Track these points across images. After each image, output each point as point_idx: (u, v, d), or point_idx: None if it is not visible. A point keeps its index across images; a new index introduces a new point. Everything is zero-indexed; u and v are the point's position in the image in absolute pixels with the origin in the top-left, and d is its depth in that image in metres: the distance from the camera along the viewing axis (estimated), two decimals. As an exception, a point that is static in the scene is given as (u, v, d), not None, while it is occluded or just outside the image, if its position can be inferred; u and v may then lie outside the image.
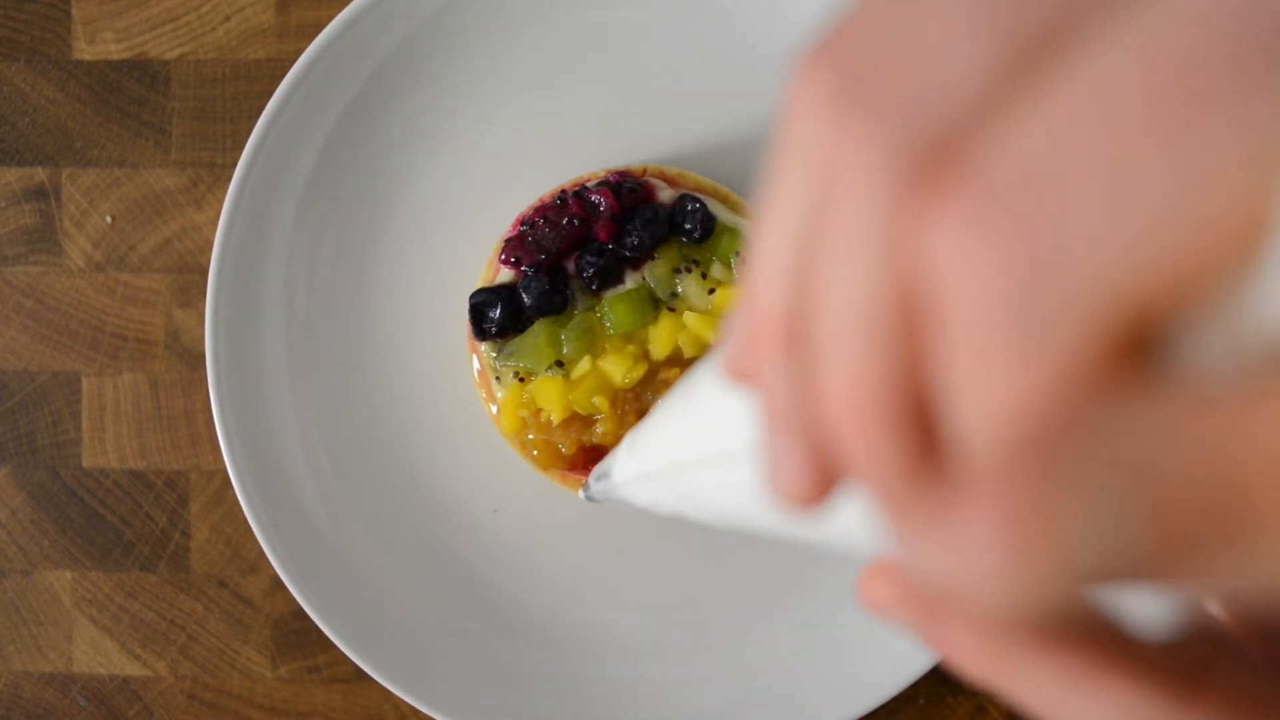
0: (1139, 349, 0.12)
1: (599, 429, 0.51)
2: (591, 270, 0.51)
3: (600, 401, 0.51)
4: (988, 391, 0.13)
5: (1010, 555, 0.12)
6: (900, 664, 0.54)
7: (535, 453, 0.53)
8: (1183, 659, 0.18)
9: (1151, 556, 0.12)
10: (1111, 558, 0.12)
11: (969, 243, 0.12)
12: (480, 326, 0.52)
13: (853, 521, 0.19)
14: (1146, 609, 0.22)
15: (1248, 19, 0.10)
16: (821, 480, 0.16)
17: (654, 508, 0.32)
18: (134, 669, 0.59)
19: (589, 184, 0.53)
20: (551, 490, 0.56)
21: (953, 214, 0.12)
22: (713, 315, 0.51)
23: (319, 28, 0.54)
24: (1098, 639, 0.18)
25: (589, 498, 0.40)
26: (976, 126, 0.12)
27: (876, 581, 0.21)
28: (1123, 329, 0.12)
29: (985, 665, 0.19)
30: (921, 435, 0.14)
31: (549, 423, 0.52)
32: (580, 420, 0.52)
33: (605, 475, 0.36)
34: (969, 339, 0.13)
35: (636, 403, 0.51)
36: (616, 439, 0.51)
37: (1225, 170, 0.10)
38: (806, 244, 0.15)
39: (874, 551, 0.21)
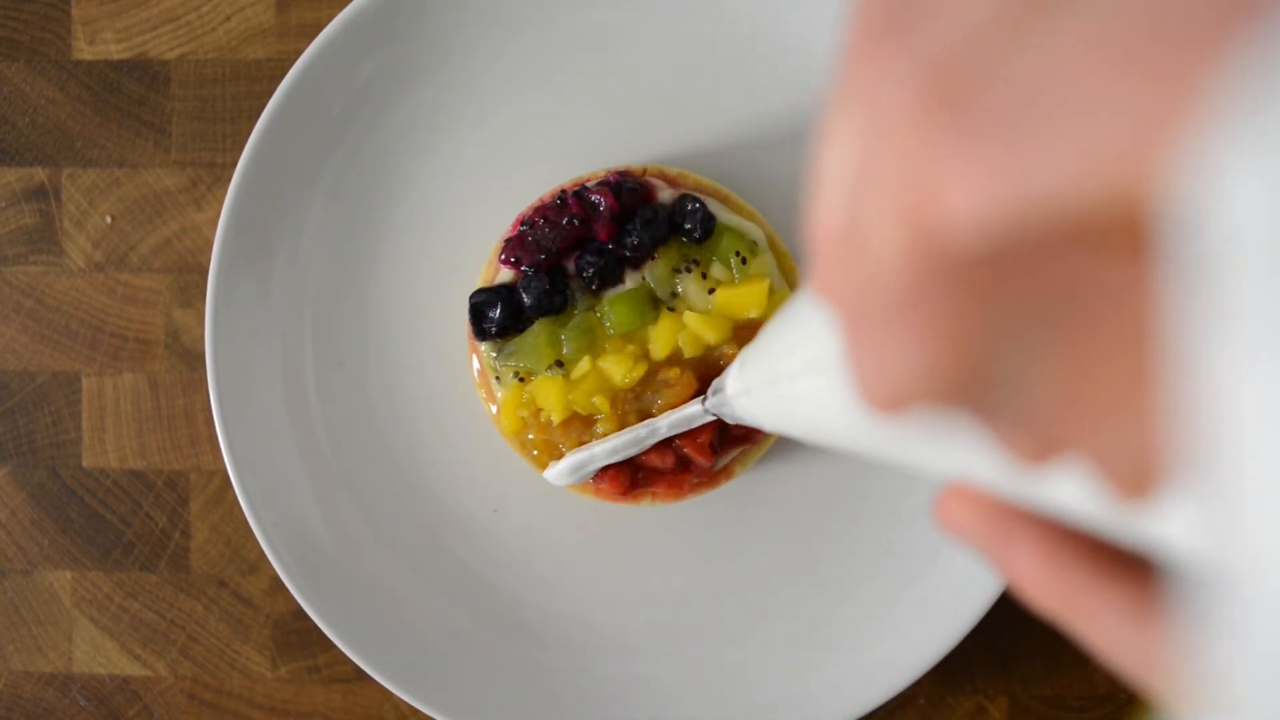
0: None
1: (599, 429, 0.51)
2: (591, 270, 0.51)
3: (600, 401, 0.51)
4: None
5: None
6: (900, 665, 0.54)
7: (535, 453, 0.53)
8: None
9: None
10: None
11: (968, 162, 0.15)
12: (480, 326, 0.52)
13: (935, 436, 0.20)
14: None
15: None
16: (891, 384, 0.17)
17: (760, 422, 0.34)
18: (134, 669, 0.59)
19: (589, 184, 0.53)
20: (551, 490, 0.56)
21: (958, 131, 0.15)
22: (713, 315, 0.51)
23: (319, 28, 0.54)
24: (1156, 575, 0.19)
25: (706, 411, 0.43)
26: (985, 52, 0.15)
27: (953, 503, 0.22)
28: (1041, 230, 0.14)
29: (1050, 592, 0.20)
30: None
31: (549, 423, 0.52)
32: (580, 420, 0.52)
33: (719, 390, 0.39)
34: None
35: (636, 403, 0.51)
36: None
37: (1120, 121, 0.13)
38: (860, 161, 0.17)
39: (948, 466, 0.21)
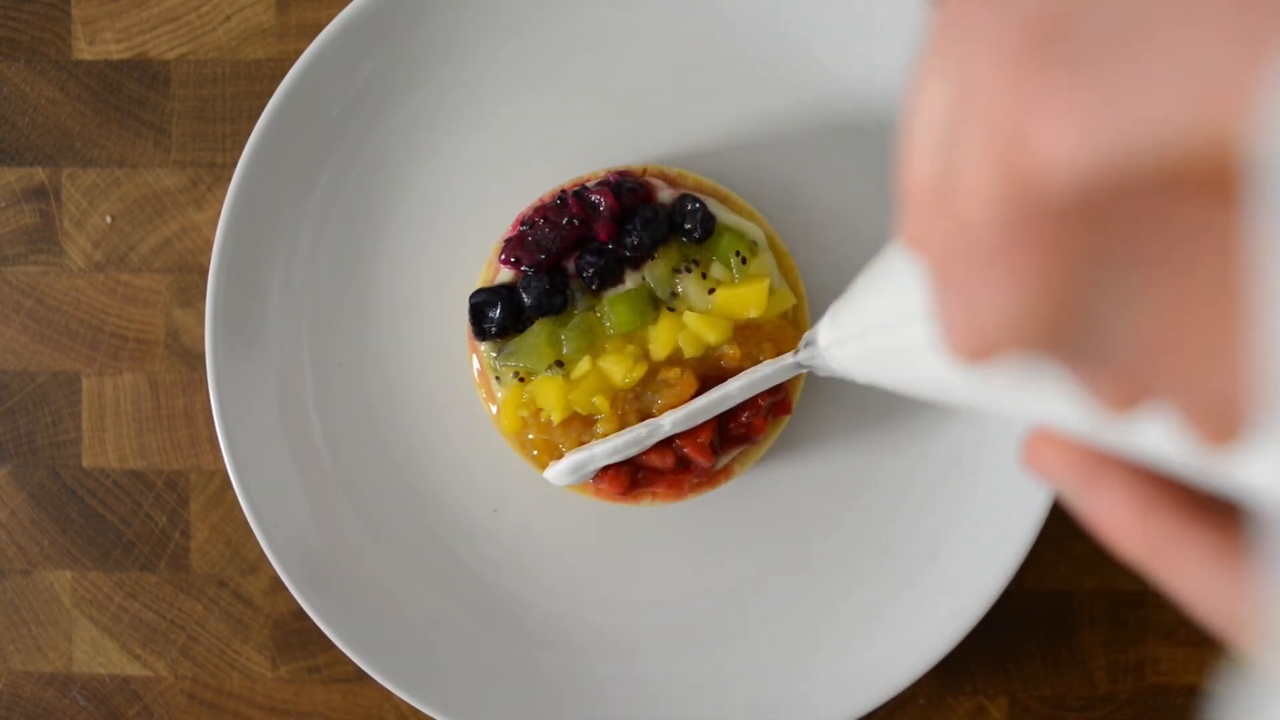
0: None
1: (599, 429, 0.51)
2: (591, 270, 0.51)
3: (600, 401, 0.51)
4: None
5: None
6: (900, 664, 0.54)
7: (535, 453, 0.53)
8: None
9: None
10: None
11: (1061, 107, 0.15)
12: (480, 326, 0.52)
13: (1022, 383, 0.20)
14: None
15: None
16: (981, 330, 0.17)
17: (850, 372, 0.35)
18: (134, 669, 0.59)
19: (589, 184, 0.53)
20: (551, 490, 0.56)
21: (1052, 78, 0.16)
22: (713, 315, 0.51)
23: (319, 28, 0.54)
24: (1242, 523, 0.19)
25: (798, 364, 0.44)
26: (1076, 2, 0.15)
27: (1041, 447, 0.22)
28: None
29: (1135, 539, 0.20)
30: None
31: (549, 423, 0.52)
32: (580, 420, 0.52)
33: (811, 342, 0.39)
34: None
35: (636, 402, 0.51)
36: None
37: (1211, 67, 0.14)
38: (952, 112, 0.18)
39: (1035, 412, 0.21)
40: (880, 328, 0.28)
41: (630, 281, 0.52)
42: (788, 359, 0.49)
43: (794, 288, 0.54)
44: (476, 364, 0.54)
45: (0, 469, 0.59)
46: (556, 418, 0.51)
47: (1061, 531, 0.57)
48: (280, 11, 0.58)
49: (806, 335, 0.41)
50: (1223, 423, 0.15)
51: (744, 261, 0.52)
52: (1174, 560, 0.20)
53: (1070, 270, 0.15)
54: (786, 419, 0.54)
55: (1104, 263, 0.15)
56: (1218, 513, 0.20)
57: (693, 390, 0.51)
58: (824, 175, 0.56)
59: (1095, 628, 0.58)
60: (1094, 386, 0.17)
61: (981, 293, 0.16)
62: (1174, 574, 0.20)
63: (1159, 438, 0.18)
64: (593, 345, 0.51)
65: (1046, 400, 0.20)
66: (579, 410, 0.51)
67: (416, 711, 0.58)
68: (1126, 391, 0.16)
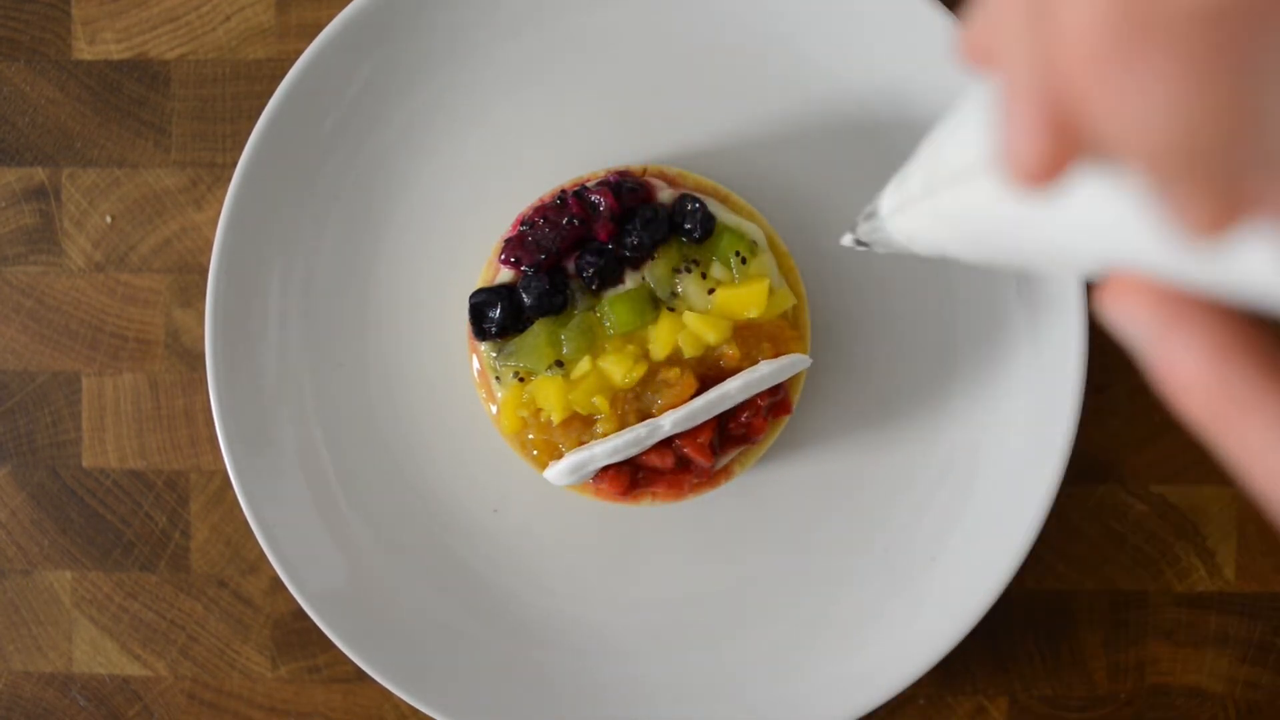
0: None
1: (599, 429, 0.51)
2: (591, 270, 0.51)
3: (600, 401, 0.51)
4: None
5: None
6: (900, 664, 0.54)
7: (535, 453, 0.53)
8: None
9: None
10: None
11: None
12: (480, 326, 0.52)
13: (1097, 211, 0.19)
14: None
15: None
16: (1056, 144, 0.17)
17: (914, 241, 0.33)
18: (134, 669, 0.59)
19: (589, 184, 0.53)
20: (551, 490, 0.56)
21: None
22: (713, 315, 0.51)
23: (319, 28, 0.54)
24: None
25: (857, 242, 0.40)
26: None
27: (1121, 290, 0.21)
28: None
29: (1206, 395, 0.19)
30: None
31: (549, 423, 0.52)
32: (580, 420, 0.52)
33: (872, 214, 0.38)
34: None
35: (636, 403, 0.51)
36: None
37: None
38: None
39: (1110, 249, 0.21)
40: (950, 181, 0.28)
41: (630, 281, 0.52)
42: (848, 238, 0.44)
43: (794, 288, 0.54)
44: (476, 364, 0.54)
45: (0, 469, 0.59)
46: (556, 418, 0.51)
47: (1062, 532, 0.57)
48: (280, 11, 0.58)
49: (866, 208, 0.40)
50: None
51: (744, 261, 0.52)
52: (1240, 424, 0.19)
53: (1231, 72, 0.15)
54: (786, 419, 0.54)
55: (1263, 62, 0.15)
56: None
57: (692, 390, 0.51)
58: (824, 175, 0.56)
59: (1095, 628, 0.58)
60: (1192, 202, 0.16)
61: (1111, 96, 0.16)
62: (1237, 440, 0.19)
63: (1258, 261, 0.17)
64: (593, 345, 0.51)
65: (1123, 231, 0.19)
66: (579, 410, 0.51)
67: (416, 711, 0.58)
68: (1230, 205, 0.16)
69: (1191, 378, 0.19)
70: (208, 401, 0.56)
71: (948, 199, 0.28)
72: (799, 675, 0.55)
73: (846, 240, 0.41)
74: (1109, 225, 0.20)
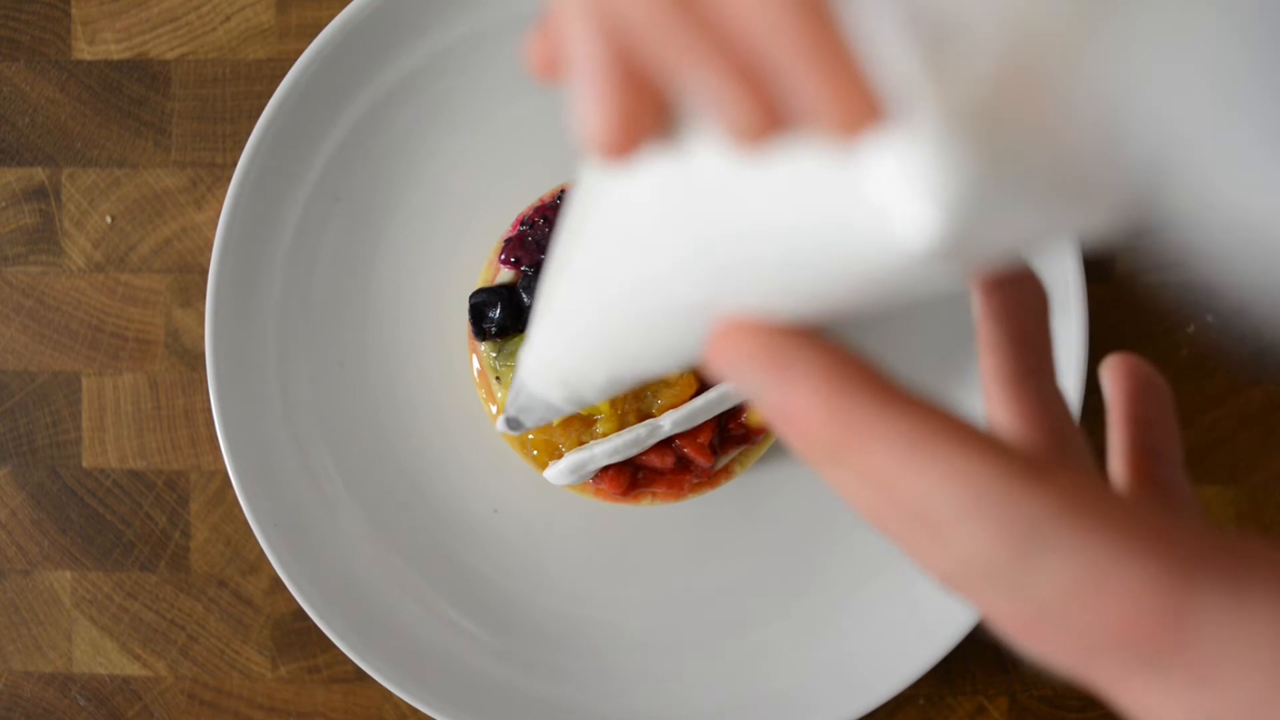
0: None
1: (599, 429, 0.51)
2: (591, 270, 0.51)
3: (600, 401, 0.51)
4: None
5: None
6: (900, 664, 0.54)
7: (535, 453, 0.53)
8: (1031, 451, 0.19)
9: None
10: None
11: None
12: (480, 326, 0.52)
13: (677, 157, 0.19)
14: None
15: None
16: (634, 101, 0.17)
17: (557, 385, 0.30)
18: (134, 669, 0.59)
19: (589, 184, 0.53)
20: (551, 490, 0.56)
21: None
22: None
23: (319, 28, 0.54)
24: (943, 413, 0.19)
25: (509, 423, 0.35)
26: None
27: (729, 335, 0.21)
28: None
29: (827, 431, 0.19)
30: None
31: (548, 423, 0.52)
32: (580, 420, 0.52)
33: (517, 392, 0.33)
34: None
35: (636, 402, 0.51)
36: (616, 439, 0.51)
37: None
38: None
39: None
40: (558, 275, 0.26)
41: (630, 281, 0.52)
42: (498, 427, 0.39)
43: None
44: (476, 364, 0.54)
45: (0, 469, 0.59)
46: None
47: (1061, 531, 0.57)
48: (280, 11, 0.58)
49: (510, 394, 0.34)
50: (855, 112, 0.15)
51: (744, 261, 0.52)
52: (861, 450, 0.19)
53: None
54: (786, 419, 0.54)
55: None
56: (913, 400, 0.19)
57: (693, 390, 0.51)
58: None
59: (1095, 628, 0.58)
60: (731, 112, 0.16)
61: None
62: (864, 469, 0.19)
63: (807, 162, 0.17)
64: (593, 345, 0.51)
65: (699, 163, 0.19)
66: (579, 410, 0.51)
67: (416, 711, 0.58)
68: (764, 110, 0.16)
69: (808, 412, 0.20)
70: (208, 401, 0.56)
71: (567, 288, 0.27)
72: (798, 675, 0.55)
73: (500, 426, 0.37)
74: (690, 168, 0.19)
